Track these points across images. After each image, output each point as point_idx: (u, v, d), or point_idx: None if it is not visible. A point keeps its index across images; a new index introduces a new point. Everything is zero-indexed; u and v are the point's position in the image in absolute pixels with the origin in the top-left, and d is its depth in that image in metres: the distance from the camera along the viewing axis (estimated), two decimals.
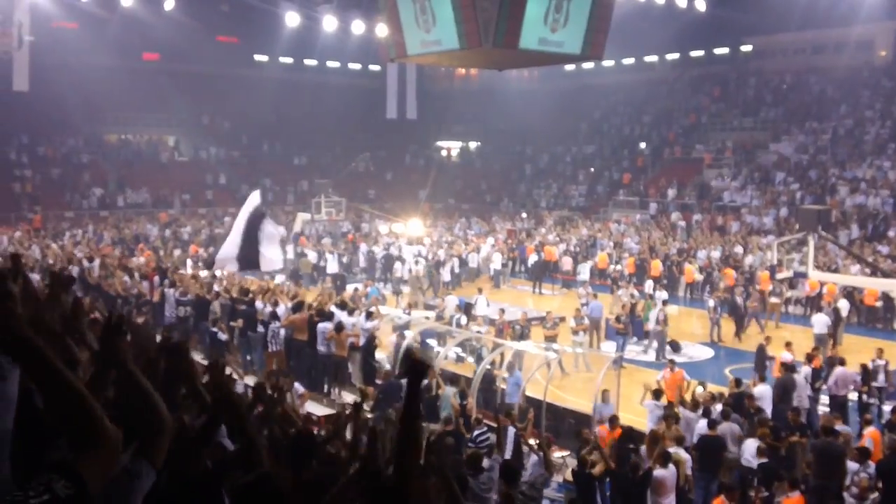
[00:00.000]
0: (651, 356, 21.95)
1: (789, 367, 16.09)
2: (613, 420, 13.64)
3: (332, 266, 31.98)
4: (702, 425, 13.16)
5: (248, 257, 18.52)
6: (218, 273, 23.74)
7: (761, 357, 18.07)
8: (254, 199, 19.51)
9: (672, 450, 11.87)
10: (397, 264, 31.65)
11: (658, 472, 11.13)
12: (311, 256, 33.92)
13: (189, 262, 30.08)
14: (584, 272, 31.29)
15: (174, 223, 42.06)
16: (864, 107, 43.91)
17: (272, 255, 19.02)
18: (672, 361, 17.04)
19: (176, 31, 45.54)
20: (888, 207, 35.59)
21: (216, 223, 41.63)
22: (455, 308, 22.62)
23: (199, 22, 45.72)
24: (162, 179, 48.43)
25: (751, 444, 12.43)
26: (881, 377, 16.95)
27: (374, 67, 58.20)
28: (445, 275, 31.07)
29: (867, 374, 16.40)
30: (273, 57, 55.89)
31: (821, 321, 21.71)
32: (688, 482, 11.84)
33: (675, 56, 56.02)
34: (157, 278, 23.93)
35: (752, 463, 12.26)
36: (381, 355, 18.59)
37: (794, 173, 41.39)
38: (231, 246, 18.71)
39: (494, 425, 14.62)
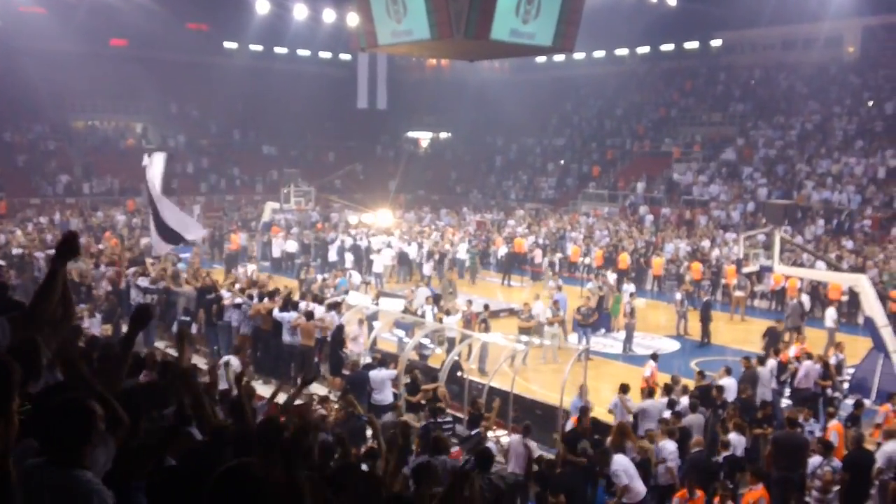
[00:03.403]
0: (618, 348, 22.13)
1: (761, 360, 16.31)
2: (584, 411, 13.75)
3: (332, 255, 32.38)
4: (667, 417, 13.29)
5: (170, 236, 18.54)
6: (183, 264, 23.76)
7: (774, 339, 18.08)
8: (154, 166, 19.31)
9: (662, 442, 12.03)
10: (372, 255, 31.81)
11: (616, 458, 11.31)
12: (290, 246, 33.77)
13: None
14: (554, 264, 31.39)
15: (141, 211, 41.65)
16: (832, 103, 44.33)
17: (184, 225, 18.97)
18: (655, 356, 17.12)
19: (145, 17, 45.15)
20: (854, 203, 36.01)
21: (185, 211, 41.29)
22: (425, 299, 22.58)
23: (169, 8, 45.33)
24: (129, 167, 47.86)
25: (739, 439, 12.58)
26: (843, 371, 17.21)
27: (345, 57, 58.02)
28: (427, 269, 31.20)
29: (828, 368, 16.58)
30: (243, 44, 55.48)
31: (830, 315, 21.93)
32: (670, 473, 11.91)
33: (646, 50, 56.27)
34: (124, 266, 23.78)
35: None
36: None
37: (761, 168, 41.76)
38: (154, 234, 18.72)
39: (460, 415, 14.76)
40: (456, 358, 16.82)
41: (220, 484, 3.17)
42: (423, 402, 14.83)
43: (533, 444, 12.59)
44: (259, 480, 3.17)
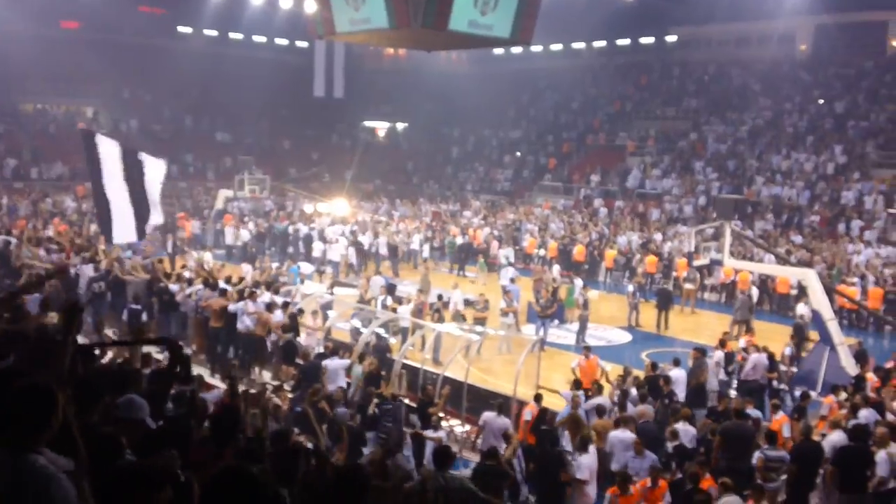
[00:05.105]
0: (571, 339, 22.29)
1: (702, 352, 16.54)
2: (538, 398, 13.87)
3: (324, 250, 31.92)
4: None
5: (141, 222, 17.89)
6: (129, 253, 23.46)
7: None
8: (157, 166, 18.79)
9: (615, 433, 12.18)
10: (317, 244, 31.66)
11: (580, 458, 11.29)
12: (244, 235, 33.37)
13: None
14: (509, 256, 31.51)
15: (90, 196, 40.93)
16: (784, 99, 45.02)
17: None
18: (587, 348, 17.29)
19: None
20: (803, 199, 36.61)
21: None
22: (380, 289, 22.51)
23: None
24: (79, 151, 46.88)
25: (687, 429, 12.71)
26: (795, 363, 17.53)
27: (302, 44, 57.45)
28: (351, 256, 31.29)
29: (773, 361, 16.86)
30: (198, 29, 54.68)
31: (803, 310, 22.20)
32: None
33: (602, 44, 56.54)
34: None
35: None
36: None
37: (713, 163, 42.27)
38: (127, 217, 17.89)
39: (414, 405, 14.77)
40: (410, 347, 16.87)
41: (217, 484, 3.18)
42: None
43: (507, 421, 13.07)
44: (254, 481, 3.20)
